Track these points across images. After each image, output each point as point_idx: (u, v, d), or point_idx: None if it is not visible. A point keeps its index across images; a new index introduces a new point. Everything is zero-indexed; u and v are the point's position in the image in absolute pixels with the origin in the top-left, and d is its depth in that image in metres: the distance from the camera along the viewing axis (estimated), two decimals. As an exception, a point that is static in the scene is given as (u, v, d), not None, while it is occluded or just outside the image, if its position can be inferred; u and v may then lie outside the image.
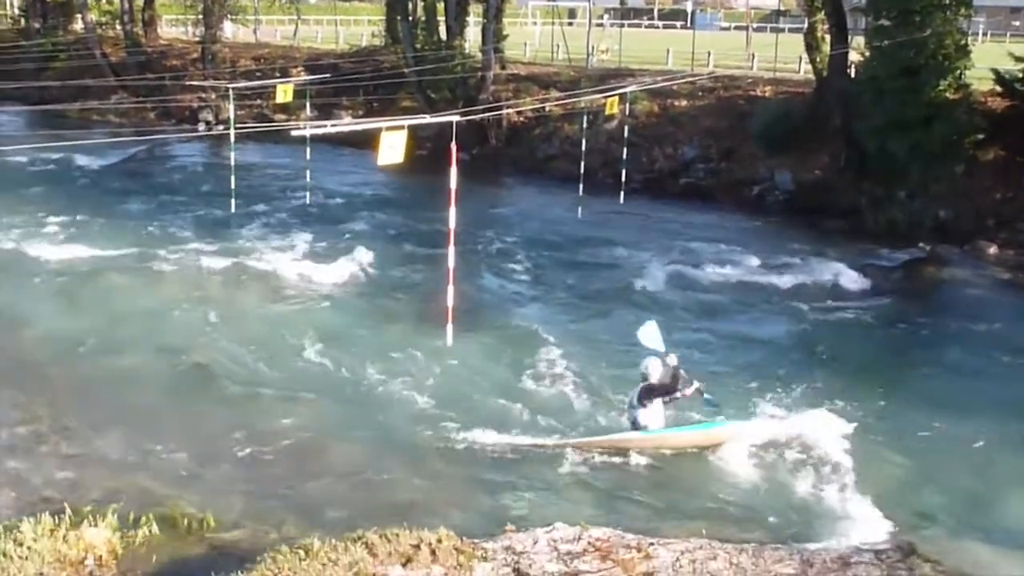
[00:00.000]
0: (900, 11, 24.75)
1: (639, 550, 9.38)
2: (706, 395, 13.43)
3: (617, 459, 12.75)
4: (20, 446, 12.81)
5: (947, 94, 24.65)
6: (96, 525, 9.95)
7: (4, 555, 9.25)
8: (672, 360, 13.26)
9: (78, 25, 52.54)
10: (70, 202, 26.89)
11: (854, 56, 28.70)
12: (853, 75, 28.96)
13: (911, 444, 13.31)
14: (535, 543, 9.40)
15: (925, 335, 18.17)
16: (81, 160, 34.08)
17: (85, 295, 19.31)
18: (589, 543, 9.44)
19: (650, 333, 13.82)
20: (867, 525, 11.17)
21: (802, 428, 13.47)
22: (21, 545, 9.42)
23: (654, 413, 13.11)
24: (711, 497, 11.90)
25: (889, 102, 24.54)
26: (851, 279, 21.21)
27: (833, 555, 9.83)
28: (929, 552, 10.10)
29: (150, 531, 10.17)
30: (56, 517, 10.02)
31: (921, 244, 24.24)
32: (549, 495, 11.86)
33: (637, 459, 12.76)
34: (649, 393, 13.08)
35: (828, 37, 29.92)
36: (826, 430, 13.29)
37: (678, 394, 13.14)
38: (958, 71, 24.78)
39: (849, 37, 29.34)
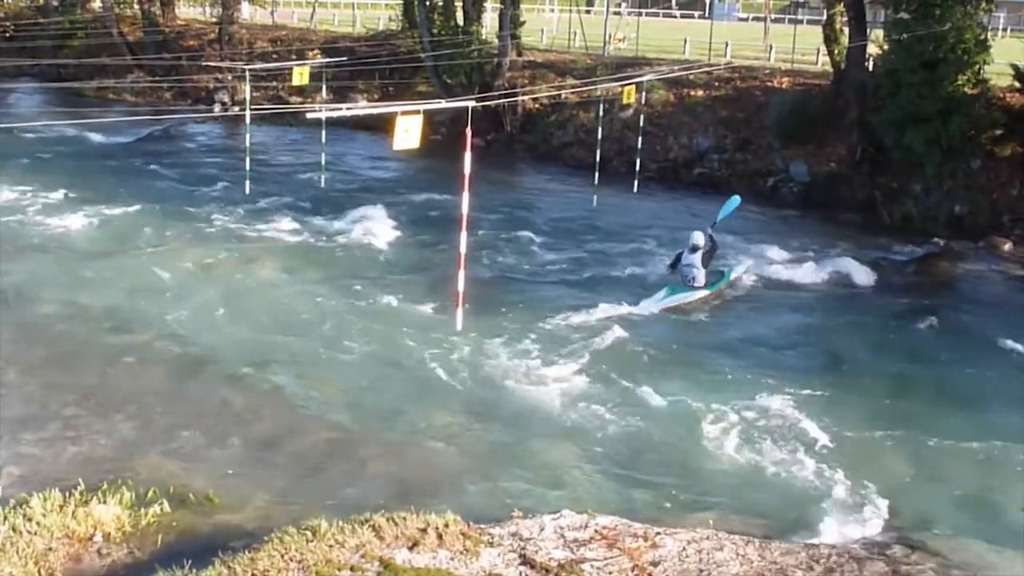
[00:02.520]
0: (920, 4, 24.55)
1: (645, 539, 9.39)
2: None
3: (625, 447, 12.77)
4: (30, 422, 12.88)
5: (965, 88, 24.44)
6: (105, 502, 10.01)
7: (14, 530, 9.32)
8: (709, 231, 18.77)
9: (96, 3, 52.58)
10: (84, 180, 26.94)
11: (872, 49, 28.53)
12: (871, 68, 28.82)
13: (920, 440, 13.25)
14: (542, 530, 9.42)
15: (937, 331, 18.06)
16: (96, 138, 34.23)
17: (98, 273, 19.40)
18: (596, 531, 9.46)
19: (730, 206, 19.64)
20: (874, 520, 11.15)
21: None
22: (31, 520, 9.50)
23: (704, 273, 18.42)
24: (718, 488, 11.89)
25: (907, 95, 24.38)
26: (864, 273, 21.05)
27: (839, 549, 9.83)
28: (936, 548, 10.08)
29: (158, 509, 10.23)
30: (65, 493, 10.10)
31: (935, 239, 24.07)
32: (556, 481, 11.87)
33: (645, 447, 12.78)
34: (702, 256, 18.27)
35: (847, 29, 29.74)
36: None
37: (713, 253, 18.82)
38: (977, 66, 24.57)
39: (868, 30, 29.17)
